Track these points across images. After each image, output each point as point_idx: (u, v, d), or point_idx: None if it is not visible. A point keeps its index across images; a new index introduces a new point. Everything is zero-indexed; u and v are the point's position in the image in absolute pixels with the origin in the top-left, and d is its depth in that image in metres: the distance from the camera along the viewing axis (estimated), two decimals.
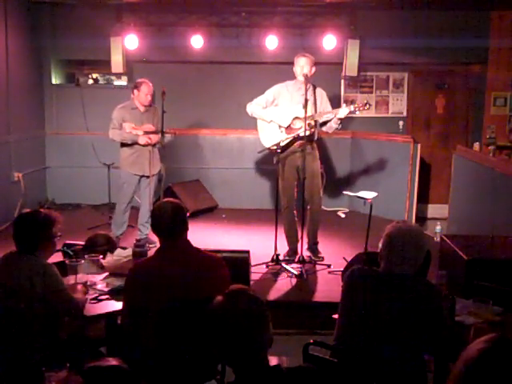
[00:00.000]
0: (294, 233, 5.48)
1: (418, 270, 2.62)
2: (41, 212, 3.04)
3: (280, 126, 5.38)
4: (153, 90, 5.83)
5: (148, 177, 5.79)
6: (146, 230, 5.88)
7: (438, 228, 6.32)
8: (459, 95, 8.00)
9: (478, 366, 1.50)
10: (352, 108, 5.21)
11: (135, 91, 5.77)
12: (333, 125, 5.33)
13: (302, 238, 5.19)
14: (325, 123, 5.41)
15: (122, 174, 5.89)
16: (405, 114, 8.02)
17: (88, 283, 3.19)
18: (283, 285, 4.89)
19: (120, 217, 5.88)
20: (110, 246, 3.94)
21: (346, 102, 7.76)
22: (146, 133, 5.71)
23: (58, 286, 2.84)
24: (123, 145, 5.81)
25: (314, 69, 5.31)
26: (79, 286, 3.13)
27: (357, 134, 7.83)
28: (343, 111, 5.20)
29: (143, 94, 5.72)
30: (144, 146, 5.73)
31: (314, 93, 5.38)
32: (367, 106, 5.24)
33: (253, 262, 4.89)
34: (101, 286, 3.24)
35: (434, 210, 7.90)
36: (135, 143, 5.73)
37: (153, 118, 5.84)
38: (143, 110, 5.81)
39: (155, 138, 5.77)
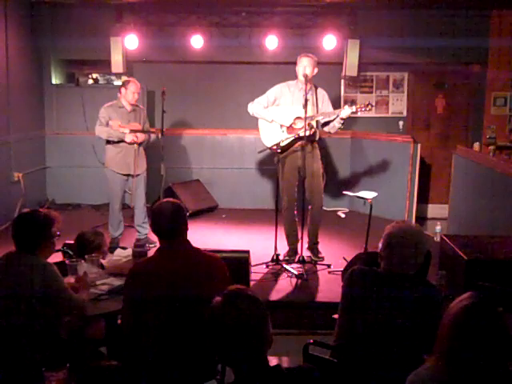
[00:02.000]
0: (294, 233, 5.48)
1: (418, 270, 2.62)
2: (40, 212, 3.04)
3: (281, 126, 5.38)
4: (140, 89, 5.83)
5: (133, 176, 5.77)
6: (144, 231, 5.88)
7: (438, 228, 6.32)
8: (459, 95, 8.00)
9: (463, 321, 1.66)
10: (354, 109, 5.21)
11: (122, 90, 5.76)
12: (336, 124, 5.32)
13: (302, 237, 5.19)
14: (327, 124, 5.41)
15: (107, 173, 5.88)
16: (405, 114, 8.02)
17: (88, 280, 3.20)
18: (283, 285, 4.89)
19: (115, 217, 5.86)
20: (99, 238, 3.88)
21: (346, 102, 7.76)
22: (133, 131, 5.71)
23: (58, 286, 2.84)
24: (109, 143, 5.80)
25: (316, 70, 5.31)
26: (75, 280, 3.12)
27: (357, 134, 7.83)
28: (345, 111, 5.19)
29: (130, 92, 5.71)
30: (130, 144, 5.72)
31: (316, 93, 5.38)
32: (369, 106, 5.23)
33: (253, 262, 4.90)
34: (101, 286, 3.24)
35: (433, 210, 7.90)
36: (121, 141, 5.73)
37: (139, 118, 5.84)
38: (130, 110, 5.80)
39: (141, 136, 5.77)
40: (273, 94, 5.44)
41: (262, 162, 7.64)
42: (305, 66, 5.21)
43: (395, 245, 2.57)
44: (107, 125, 5.70)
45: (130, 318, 2.73)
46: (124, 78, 7.80)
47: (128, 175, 5.82)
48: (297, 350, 2.70)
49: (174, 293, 2.61)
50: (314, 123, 5.22)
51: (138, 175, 5.81)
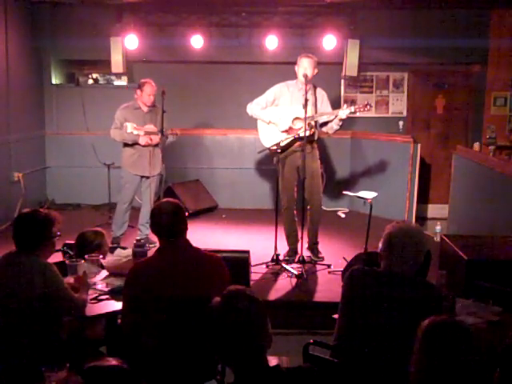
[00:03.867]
0: (294, 233, 5.48)
1: (418, 270, 2.62)
2: (40, 212, 3.04)
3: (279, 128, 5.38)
4: (156, 90, 5.84)
5: (149, 177, 5.79)
6: (146, 231, 5.88)
7: (438, 228, 6.32)
8: (459, 95, 8.00)
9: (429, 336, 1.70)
10: (353, 109, 5.22)
11: (138, 91, 5.78)
12: (334, 126, 5.33)
13: (302, 238, 5.19)
14: (325, 124, 5.41)
15: (123, 173, 5.90)
16: (405, 114, 8.02)
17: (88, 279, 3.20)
18: (283, 285, 4.89)
19: (121, 217, 5.88)
20: (100, 238, 3.88)
21: (346, 102, 7.75)
22: (148, 133, 5.71)
23: (58, 286, 2.84)
24: (125, 145, 5.82)
25: (316, 70, 5.30)
26: (75, 280, 3.12)
27: (357, 134, 7.83)
28: (344, 112, 5.20)
29: (146, 94, 5.72)
30: (144, 146, 5.73)
31: (315, 93, 5.38)
32: (368, 106, 5.24)
33: (253, 262, 4.89)
34: (101, 286, 3.23)
35: (433, 210, 7.90)
36: (136, 143, 5.74)
37: (156, 119, 5.83)
38: (146, 111, 5.82)
39: (156, 138, 5.77)
40: (272, 95, 5.44)
41: (262, 162, 7.63)
42: (305, 67, 5.21)
43: (395, 245, 2.57)
44: (122, 127, 5.71)
45: (130, 318, 2.73)
46: (124, 78, 7.83)
47: (142, 176, 5.82)
48: (297, 350, 2.70)
49: (174, 292, 2.62)
50: (312, 123, 5.22)
51: (154, 176, 5.82)
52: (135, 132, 5.65)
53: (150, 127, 5.75)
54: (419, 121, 8.07)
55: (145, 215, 5.89)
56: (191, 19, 7.51)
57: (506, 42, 7.54)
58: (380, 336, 2.49)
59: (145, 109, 5.81)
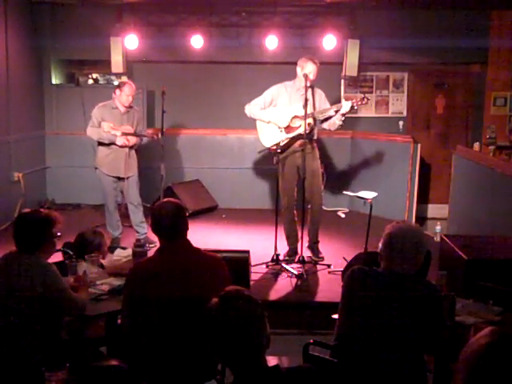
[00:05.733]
0: (294, 233, 5.48)
1: (418, 270, 2.62)
2: (41, 212, 3.04)
3: (279, 127, 5.38)
4: (135, 92, 5.80)
5: (124, 179, 5.74)
6: (143, 230, 5.87)
7: (438, 228, 6.32)
8: (459, 95, 8.00)
9: (484, 362, 1.43)
10: (350, 103, 5.22)
11: (117, 91, 5.72)
12: (336, 121, 5.33)
13: (302, 238, 5.19)
14: (325, 120, 5.41)
15: (99, 174, 5.81)
16: (405, 114, 8.02)
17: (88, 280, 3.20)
18: (283, 285, 4.89)
19: (111, 217, 5.86)
20: (99, 238, 3.88)
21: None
22: (125, 134, 5.67)
23: (58, 286, 2.84)
24: (100, 144, 5.76)
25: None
26: (75, 280, 3.12)
27: (357, 134, 7.83)
28: (345, 107, 5.20)
29: (125, 94, 5.66)
30: (121, 147, 5.69)
31: (313, 93, 5.38)
32: (365, 100, 5.24)
33: (253, 262, 4.89)
34: (101, 286, 3.24)
35: (433, 210, 7.90)
36: (112, 143, 5.68)
37: (132, 120, 5.79)
38: (123, 111, 5.75)
39: (133, 139, 5.72)
40: (269, 95, 5.44)
41: (262, 162, 7.62)
42: (310, 71, 5.21)
43: (395, 245, 2.57)
44: (100, 125, 5.67)
45: (130, 318, 2.73)
46: (124, 78, 7.82)
47: (118, 178, 5.78)
48: (297, 350, 2.70)
49: (174, 293, 2.62)
50: (311, 120, 5.21)
51: (129, 177, 5.77)
52: (112, 132, 5.61)
53: (127, 128, 5.71)
54: (419, 121, 8.07)
55: (135, 217, 5.87)
56: (191, 19, 7.51)
57: (506, 42, 7.54)
58: (380, 336, 2.49)
59: (122, 109, 5.74)
